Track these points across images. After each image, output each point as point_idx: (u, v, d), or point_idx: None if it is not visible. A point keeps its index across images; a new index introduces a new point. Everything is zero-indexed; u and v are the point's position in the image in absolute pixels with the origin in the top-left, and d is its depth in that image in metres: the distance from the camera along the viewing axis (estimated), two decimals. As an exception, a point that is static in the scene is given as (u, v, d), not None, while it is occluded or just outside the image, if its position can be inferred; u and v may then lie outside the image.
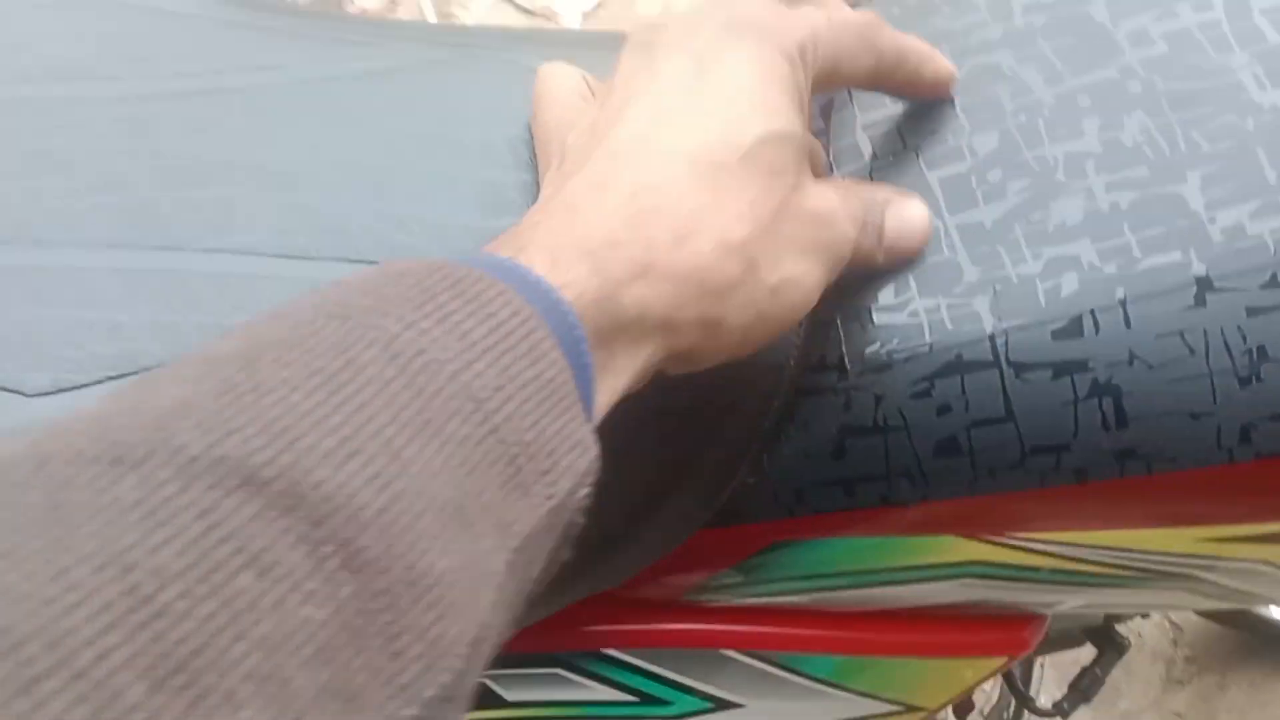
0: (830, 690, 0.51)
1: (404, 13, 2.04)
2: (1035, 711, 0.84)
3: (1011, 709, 0.93)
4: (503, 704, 0.49)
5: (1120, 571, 0.44)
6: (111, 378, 0.35)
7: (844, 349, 0.40)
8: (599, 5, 2.07)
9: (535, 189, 0.39)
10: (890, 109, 0.44)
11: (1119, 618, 0.83)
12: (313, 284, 0.36)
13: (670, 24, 0.37)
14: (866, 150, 0.43)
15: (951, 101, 0.43)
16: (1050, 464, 0.39)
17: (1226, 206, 0.39)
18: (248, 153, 0.39)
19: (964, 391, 0.39)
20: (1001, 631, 0.50)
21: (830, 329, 0.40)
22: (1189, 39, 0.42)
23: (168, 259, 0.36)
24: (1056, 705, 0.82)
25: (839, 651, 0.49)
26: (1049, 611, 0.51)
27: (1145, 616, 1.33)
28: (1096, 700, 1.36)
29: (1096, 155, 0.41)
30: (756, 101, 0.34)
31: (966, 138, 0.42)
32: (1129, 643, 0.83)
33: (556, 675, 0.48)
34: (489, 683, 0.48)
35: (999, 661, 0.51)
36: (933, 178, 0.42)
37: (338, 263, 0.37)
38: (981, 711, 0.98)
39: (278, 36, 0.43)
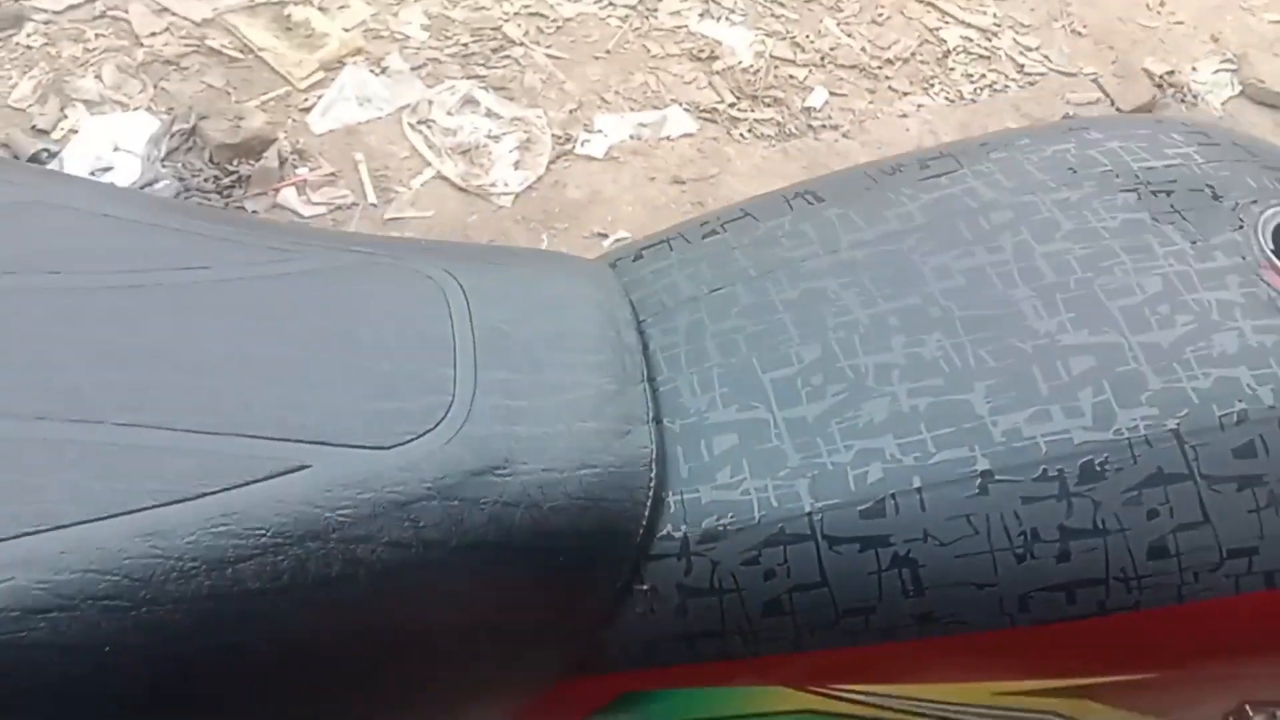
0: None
1: (344, 182, 2.14)
2: None
3: None
4: None
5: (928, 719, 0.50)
6: (25, 533, 0.39)
7: (685, 521, 0.46)
8: (529, 187, 2.20)
9: (419, 379, 0.45)
10: (736, 320, 0.52)
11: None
12: (217, 455, 0.42)
13: None
14: (714, 354, 0.51)
15: (785, 318, 0.51)
16: (860, 624, 0.45)
17: (1006, 413, 0.47)
18: (167, 342, 0.45)
19: (786, 560, 0.46)
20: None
21: (673, 504, 0.47)
22: (982, 274, 0.51)
23: (87, 431, 0.42)
24: None
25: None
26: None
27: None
28: None
29: (901, 366, 0.49)
30: None
31: (795, 347, 0.50)
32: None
33: None
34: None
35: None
36: (766, 379, 0.49)
37: (238, 438, 0.42)
38: None
39: (209, 240, 0.49)
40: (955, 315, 0.50)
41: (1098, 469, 0.46)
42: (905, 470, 0.46)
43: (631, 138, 2.38)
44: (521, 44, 2.53)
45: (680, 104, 2.48)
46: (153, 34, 2.37)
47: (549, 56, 2.51)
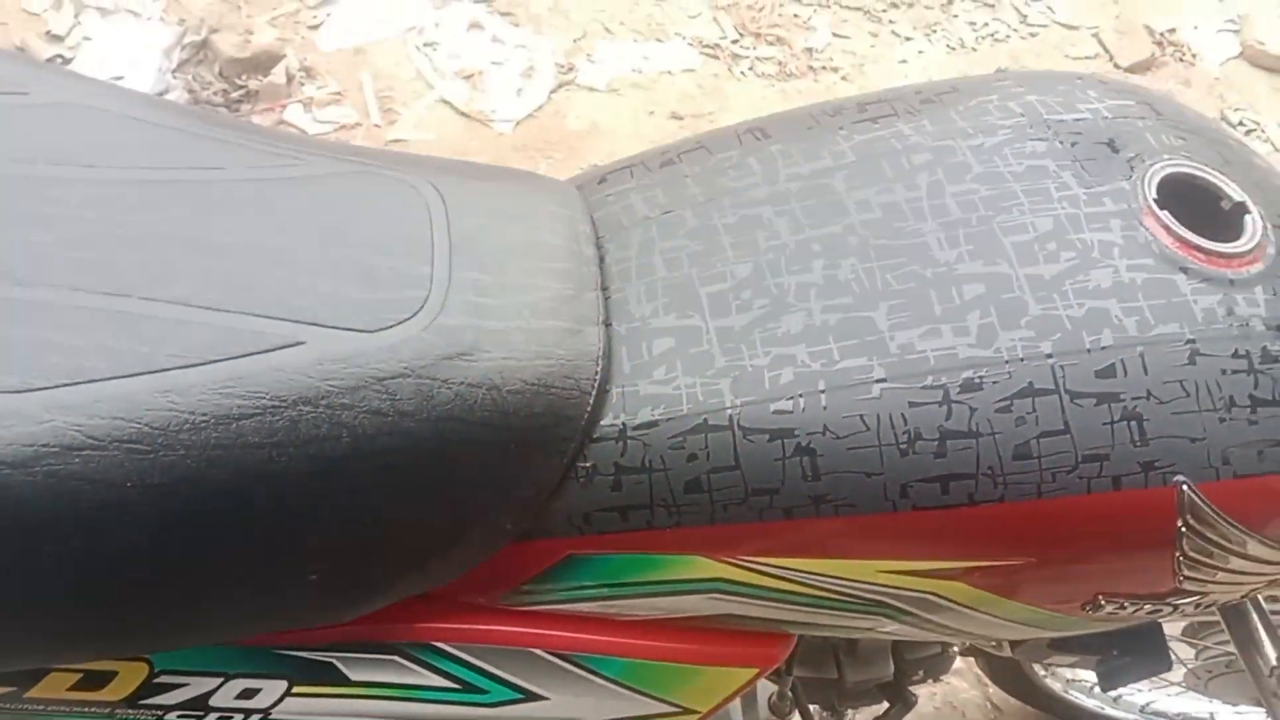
0: (620, 689, 0.63)
1: (350, 101, 2.19)
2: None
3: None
4: (348, 683, 0.60)
5: (825, 594, 0.58)
6: (64, 384, 0.47)
7: (624, 410, 0.54)
8: (530, 115, 2.25)
9: (401, 273, 0.53)
10: (681, 240, 0.59)
11: (908, 676, 0.96)
12: (227, 329, 0.49)
13: None
14: (660, 269, 0.58)
15: (724, 240, 0.58)
16: (766, 502, 0.54)
17: (903, 329, 0.55)
18: (188, 230, 0.52)
19: (707, 446, 0.54)
20: (752, 645, 0.63)
21: (615, 395, 0.54)
22: (898, 209, 0.58)
23: (117, 303, 0.49)
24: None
25: (622, 655, 0.62)
26: (794, 632, 0.65)
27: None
28: None
29: (818, 286, 0.56)
30: None
31: (730, 265, 0.57)
32: (916, 699, 0.96)
33: (394, 661, 0.60)
34: (336, 663, 0.59)
35: (752, 672, 0.64)
36: (703, 292, 0.57)
37: (245, 315, 0.50)
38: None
39: (225, 145, 0.57)
40: (870, 243, 0.57)
41: (977, 381, 0.53)
42: (812, 374, 0.54)
43: (633, 70, 2.43)
44: (528, -29, 2.54)
45: (684, 38, 2.51)
46: (166, -56, 2.39)
47: (555, -15, 2.54)
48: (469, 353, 0.51)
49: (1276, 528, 0.57)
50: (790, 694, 0.88)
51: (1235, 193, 0.60)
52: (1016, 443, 0.53)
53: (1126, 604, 0.60)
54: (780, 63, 2.54)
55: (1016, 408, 0.53)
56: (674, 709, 0.65)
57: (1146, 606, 0.60)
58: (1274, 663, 0.75)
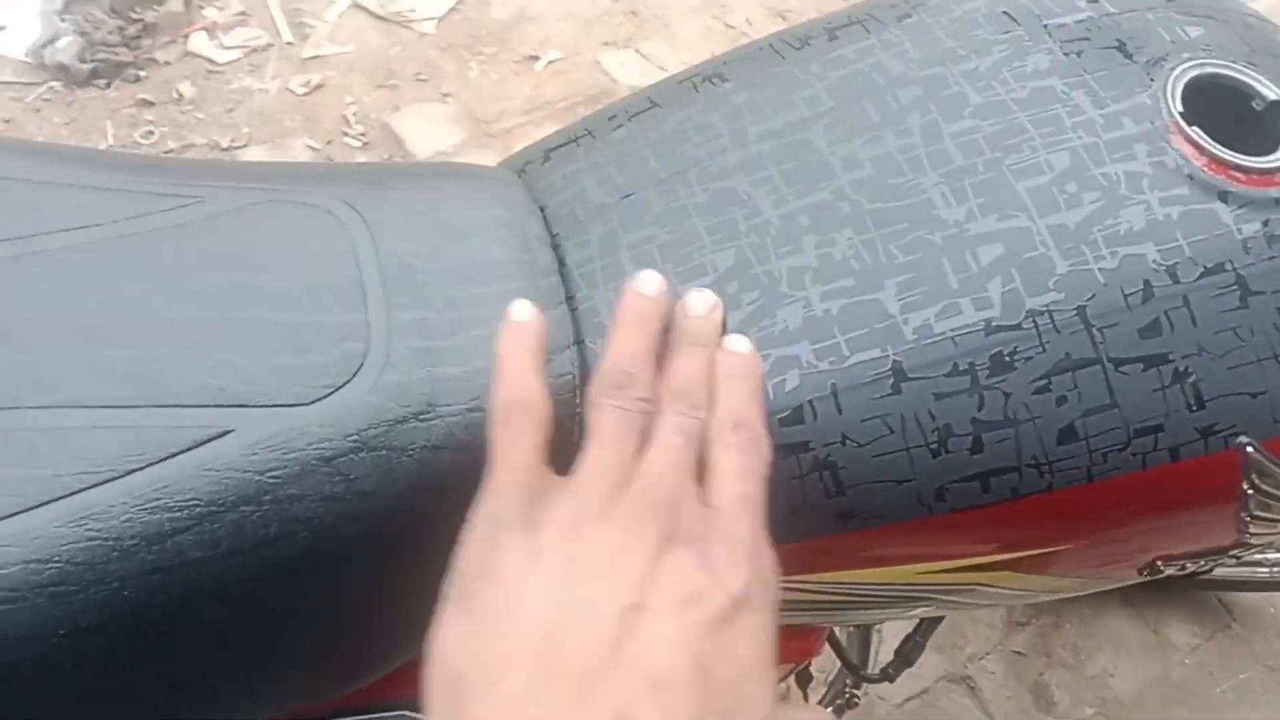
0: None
1: (256, 21, 2.03)
2: (865, 679, 0.94)
3: (849, 677, 1.03)
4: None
5: (862, 599, 0.53)
6: None
7: None
8: (452, 10, 2.09)
9: (333, 327, 0.45)
10: (648, 229, 0.51)
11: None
12: (138, 429, 0.42)
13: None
14: (630, 268, 0.50)
15: (698, 223, 0.50)
16: (786, 526, 0.47)
17: (917, 309, 0.47)
18: (68, 312, 0.44)
19: (711, 473, 0.47)
20: (788, 643, 0.58)
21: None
22: (890, 162, 0.50)
23: (3, 418, 0.41)
24: (884, 670, 0.93)
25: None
26: (828, 624, 0.60)
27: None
28: (946, 646, 1.49)
29: (813, 269, 0.49)
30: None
31: (709, 255, 0.50)
32: (945, 613, 0.93)
33: (403, 717, 0.55)
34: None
35: (788, 668, 0.60)
36: (682, 290, 0.49)
37: (157, 409, 0.42)
38: (826, 680, 1.08)
39: (94, 193, 0.48)
40: (865, 209, 0.49)
41: (1007, 359, 0.47)
42: (821, 376, 0.47)
43: (557, -56, 2.26)
44: None
45: (606, -100, 2.33)
46: None
47: None
48: (425, 411, 0.44)
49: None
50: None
51: (1270, 89, 0.52)
52: (1060, 425, 0.47)
53: (1187, 563, 0.55)
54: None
55: (1056, 385, 0.47)
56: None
57: (1206, 560, 0.55)
58: None
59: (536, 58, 2.05)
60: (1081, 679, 1.46)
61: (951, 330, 0.47)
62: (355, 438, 0.43)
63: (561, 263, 0.51)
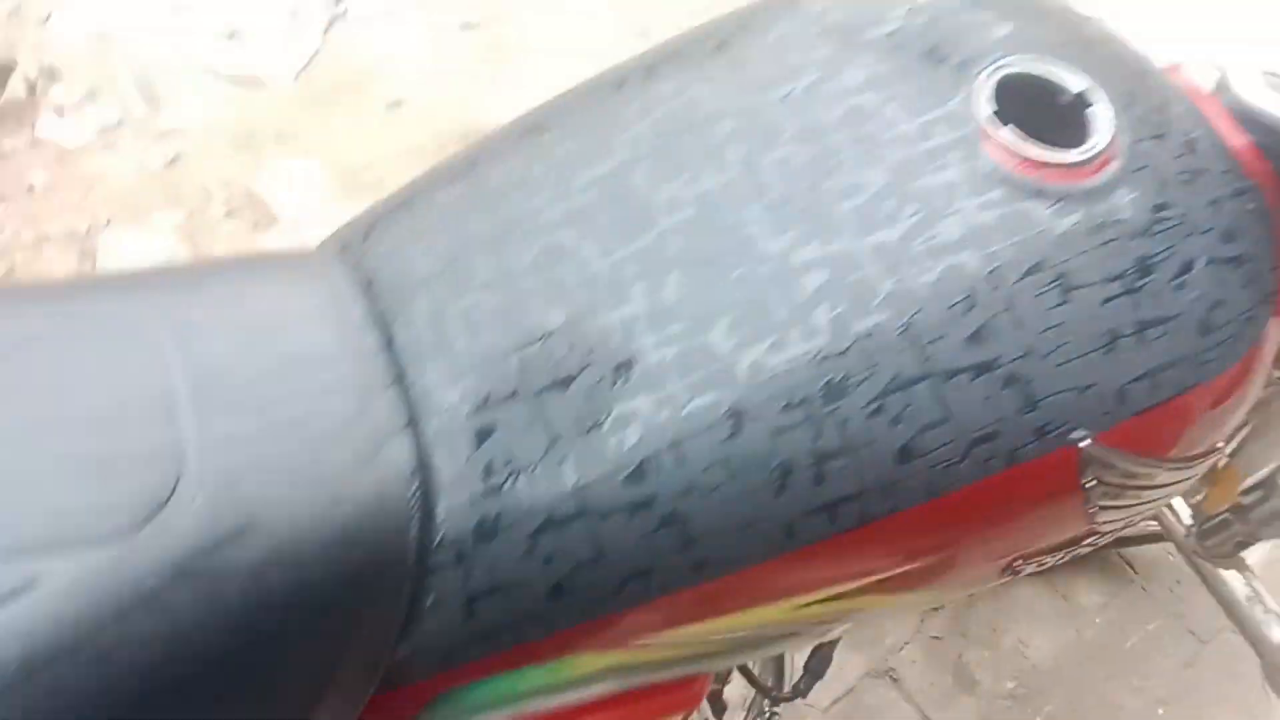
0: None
1: (106, 98, 1.97)
2: (779, 699, 0.93)
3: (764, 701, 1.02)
4: None
5: (730, 641, 0.52)
6: None
7: (457, 527, 0.46)
8: (308, 64, 2.05)
9: (143, 451, 0.43)
10: (476, 296, 0.50)
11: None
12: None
13: None
14: (459, 339, 0.49)
15: (526, 284, 0.49)
16: (642, 586, 0.47)
17: (748, 347, 0.47)
18: None
19: (562, 542, 0.46)
20: (670, 695, 0.57)
21: (442, 511, 0.46)
22: (712, 199, 0.50)
23: None
24: (794, 687, 0.92)
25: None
26: (710, 671, 0.59)
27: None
28: (866, 643, 1.50)
29: (644, 317, 0.48)
30: None
31: (540, 316, 0.49)
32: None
33: None
34: None
35: (678, 715, 0.59)
36: (515, 358, 0.48)
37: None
38: (744, 704, 1.08)
39: None
40: (690, 250, 0.49)
41: (839, 386, 0.47)
42: (660, 428, 0.46)
43: (410, -16, 2.23)
44: (267, -99, 2.30)
45: (455, -63, 2.31)
46: None
47: (299, -89, 2.30)
48: (246, 529, 0.42)
49: (1180, 449, 0.52)
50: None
51: (1075, 83, 0.53)
52: (898, 445, 0.47)
53: (1046, 558, 0.55)
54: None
55: (889, 406, 0.47)
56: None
57: (1063, 552, 0.56)
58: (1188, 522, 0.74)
59: (400, 103, 2.03)
60: (999, 654, 1.49)
61: (783, 364, 0.47)
62: (176, 565, 0.41)
63: (391, 341, 0.50)
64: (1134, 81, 0.55)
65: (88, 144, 1.88)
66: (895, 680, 1.47)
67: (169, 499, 0.42)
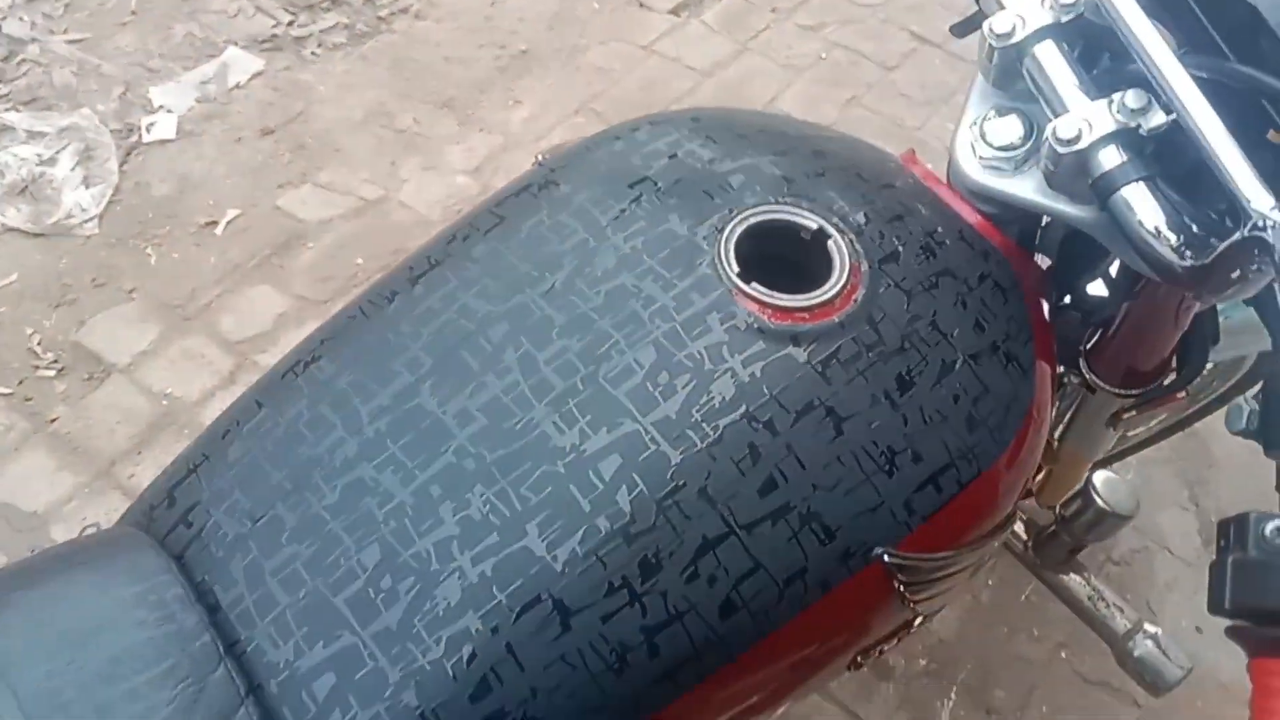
0: None
1: None
2: None
3: None
4: None
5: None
6: None
7: None
8: (110, 203, 2.00)
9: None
10: (290, 549, 0.51)
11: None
12: None
13: None
14: (281, 595, 0.50)
15: (335, 527, 0.51)
16: None
17: (561, 544, 0.50)
18: None
19: (425, 773, 0.48)
20: None
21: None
22: (499, 406, 0.52)
23: None
24: None
25: None
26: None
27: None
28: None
29: (458, 537, 0.50)
30: None
31: (355, 557, 0.50)
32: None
33: None
34: None
35: None
36: (339, 602, 0.50)
37: None
38: None
39: None
40: (488, 461, 0.51)
41: (654, 561, 0.50)
42: (494, 641, 0.48)
43: (199, 100, 2.19)
44: (33, 39, 2.23)
45: (236, 43, 2.28)
46: None
47: (69, 43, 2.23)
48: None
49: (974, 533, 0.57)
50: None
51: (809, 219, 0.57)
52: (719, 603, 0.50)
53: (883, 648, 0.60)
54: (347, 25, 2.36)
55: (702, 569, 0.50)
56: None
57: (895, 639, 0.61)
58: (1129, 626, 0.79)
59: (214, 223, 1.99)
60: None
61: (597, 553, 0.49)
62: None
63: (215, 609, 0.50)
64: (868, 195, 0.60)
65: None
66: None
67: None
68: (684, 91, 2.22)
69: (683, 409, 0.52)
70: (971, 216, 0.63)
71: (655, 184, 0.58)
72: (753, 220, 0.57)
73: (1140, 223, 0.52)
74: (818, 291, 0.54)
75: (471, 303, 0.56)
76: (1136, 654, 0.77)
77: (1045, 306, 0.67)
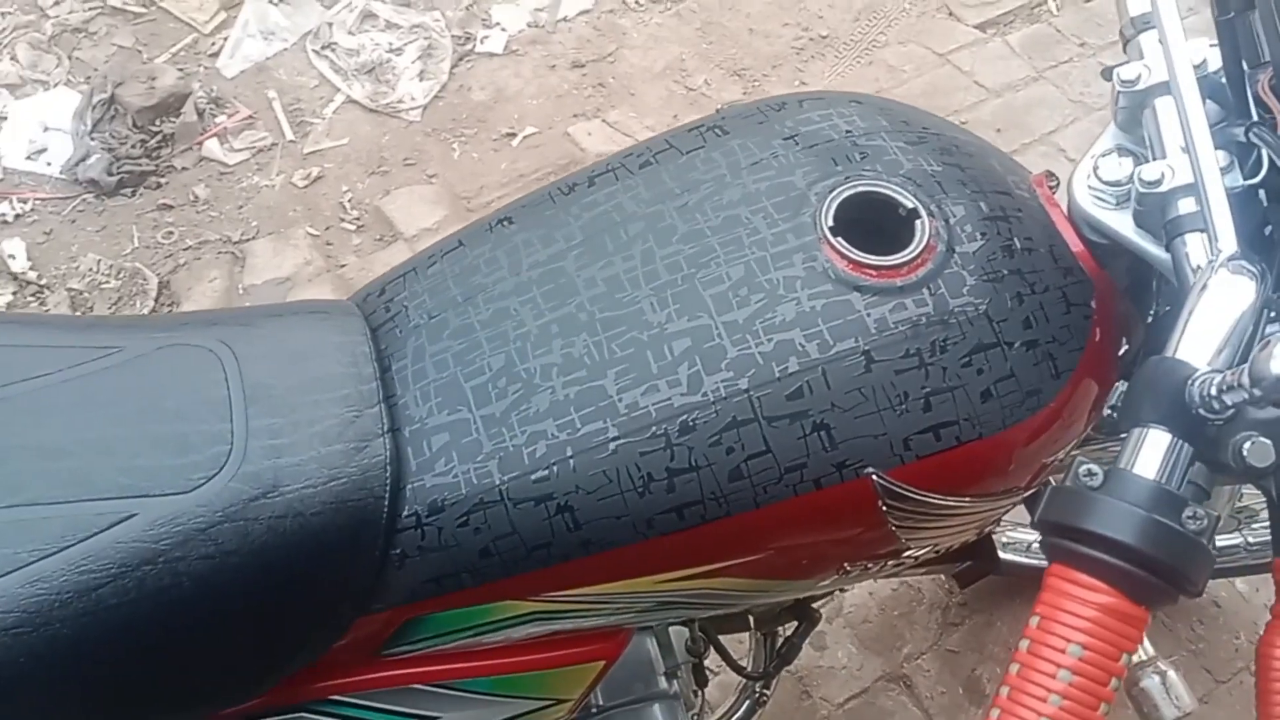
0: (495, 698, 0.77)
1: (262, 123, 2.27)
2: (748, 677, 1.11)
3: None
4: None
5: (623, 605, 0.71)
6: None
7: (417, 503, 0.66)
8: (435, 97, 2.31)
9: (207, 435, 0.64)
10: (446, 342, 0.70)
11: (814, 596, 1.09)
12: (74, 518, 0.61)
13: None
14: (431, 372, 0.69)
15: (480, 336, 0.69)
16: (545, 554, 0.66)
17: (629, 391, 0.66)
18: (30, 438, 0.64)
19: (486, 520, 0.66)
20: (591, 644, 0.76)
21: (408, 492, 0.66)
22: (618, 281, 0.69)
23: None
24: (764, 670, 1.09)
25: (486, 675, 0.75)
26: (616, 626, 0.77)
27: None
28: (884, 649, 1.64)
29: (559, 365, 0.67)
30: None
31: (487, 359, 0.68)
32: (820, 615, 1.09)
33: (302, 719, 0.74)
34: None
35: (600, 664, 0.77)
36: (467, 387, 0.68)
37: (85, 502, 0.62)
38: (735, 688, 1.24)
39: (47, 350, 0.68)
40: (597, 318, 0.68)
41: (690, 424, 0.65)
42: (561, 444, 0.65)
43: (529, 25, 2.47)
44: (409, -56, 2.56)
45: (574, -20, 2.54)
46: (55, 2, 2.46)
47: (439, -48, 2.56)
48: (271, 491, 0.63)
49: (971, 489, 0.68)
50: (702, 634, 1.02)
51: (908, 199, 0.69)
52: (730, 468, 0.65)
53: (870, 565, 0.72)
54: (673, -16, 2.55)
55: (725, 439, 0.65)
56: (547, 701, 0.79)
57: (889, 564, 0.72)
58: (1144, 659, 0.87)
59: (513, 134, 2.26)
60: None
61: (652, 404, 0.65)
62: (221, 514, 0.62)
63: (385, 369, 0.70)
64: (975, 194, 0.71)
65: (243, 163, 2.18)
66: (909, 686, 1.60)
67: (220, 469, 0.63)
68: (964, 105, 2.27)
69: (749, 318, 0.66)
70: (1071, 239, 0.73)
71: (796, 143, 0.72)
72: (860, 189, 0.69)
73: (1196, 268, 0.61)
74: (891, 258, 0.67)
75: (625, 202, 0.72)
76: (1142, 684, 0.83)
77: (1122, 342, 0.75)
